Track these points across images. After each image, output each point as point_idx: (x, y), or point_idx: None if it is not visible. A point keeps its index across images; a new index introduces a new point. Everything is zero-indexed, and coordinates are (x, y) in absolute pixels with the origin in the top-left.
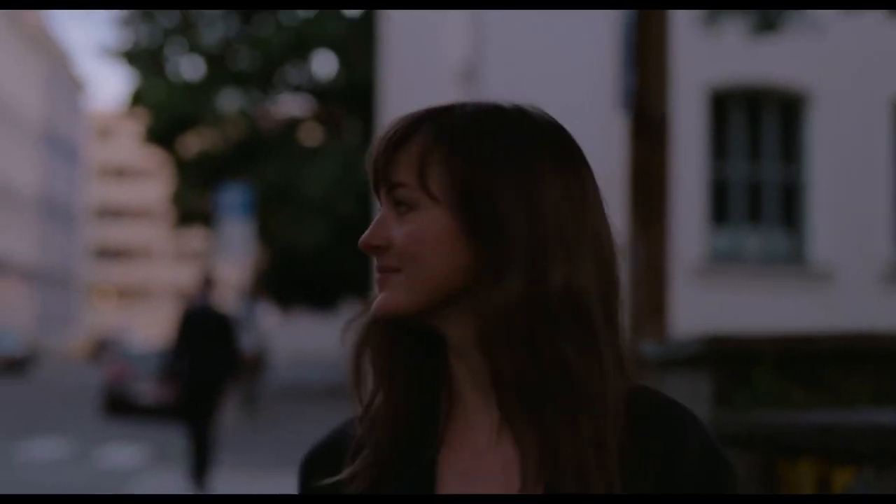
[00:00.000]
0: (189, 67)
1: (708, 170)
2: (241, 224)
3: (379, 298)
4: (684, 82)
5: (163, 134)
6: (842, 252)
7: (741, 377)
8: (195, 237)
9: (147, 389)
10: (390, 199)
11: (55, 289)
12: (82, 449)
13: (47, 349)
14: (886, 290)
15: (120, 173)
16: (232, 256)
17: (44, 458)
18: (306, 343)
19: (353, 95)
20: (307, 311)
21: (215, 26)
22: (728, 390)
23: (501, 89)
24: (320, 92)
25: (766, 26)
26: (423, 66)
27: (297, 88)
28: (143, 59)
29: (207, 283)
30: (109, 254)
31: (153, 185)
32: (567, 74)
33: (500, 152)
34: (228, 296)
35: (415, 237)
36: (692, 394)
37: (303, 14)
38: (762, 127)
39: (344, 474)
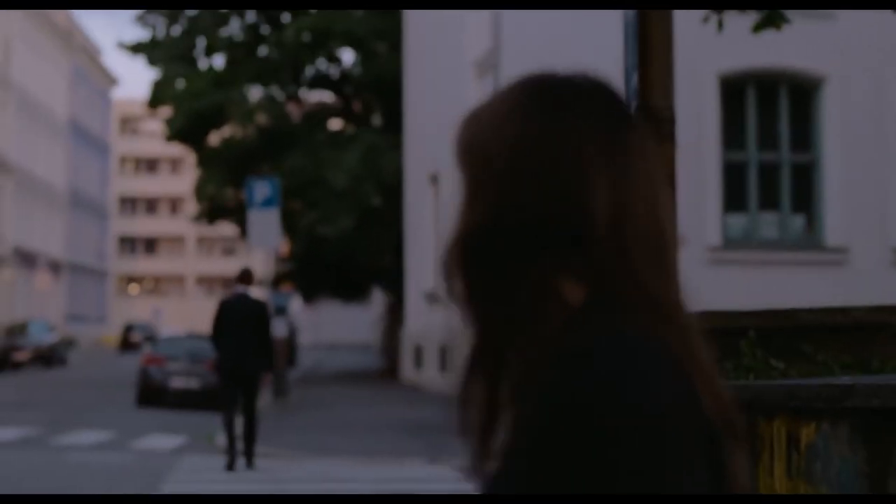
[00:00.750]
0: (213, 62)
1: (723, 156)
2: (269, 216)
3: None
4: (698, 71)
5: (188, 129)
6: (855, 234)
7: (729, 349)
8: (223, 229)
9: (179, 376)
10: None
11: (85, 281)
12: (121, 434)
13: (77, 340)
14: None
15: (149, 165)
16: (260, 248)
17: (87, 442)
18: (332, 331)
19: (377, 87)
20: (332, 300)
21: (238, 21)
22: (718, 362)
23: None
24: (345, 84)
25: (769, 24)
26: (444, 58)
27: (321, 81)
28: (166, 54)
29: (244, 275)
30: (138, 245)
31: (182, 177)
32: (584, 67)
33: (488, 111)
34: (260, 286)
35: (454, 210)
36: None
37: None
38: (776, 113)
39: None
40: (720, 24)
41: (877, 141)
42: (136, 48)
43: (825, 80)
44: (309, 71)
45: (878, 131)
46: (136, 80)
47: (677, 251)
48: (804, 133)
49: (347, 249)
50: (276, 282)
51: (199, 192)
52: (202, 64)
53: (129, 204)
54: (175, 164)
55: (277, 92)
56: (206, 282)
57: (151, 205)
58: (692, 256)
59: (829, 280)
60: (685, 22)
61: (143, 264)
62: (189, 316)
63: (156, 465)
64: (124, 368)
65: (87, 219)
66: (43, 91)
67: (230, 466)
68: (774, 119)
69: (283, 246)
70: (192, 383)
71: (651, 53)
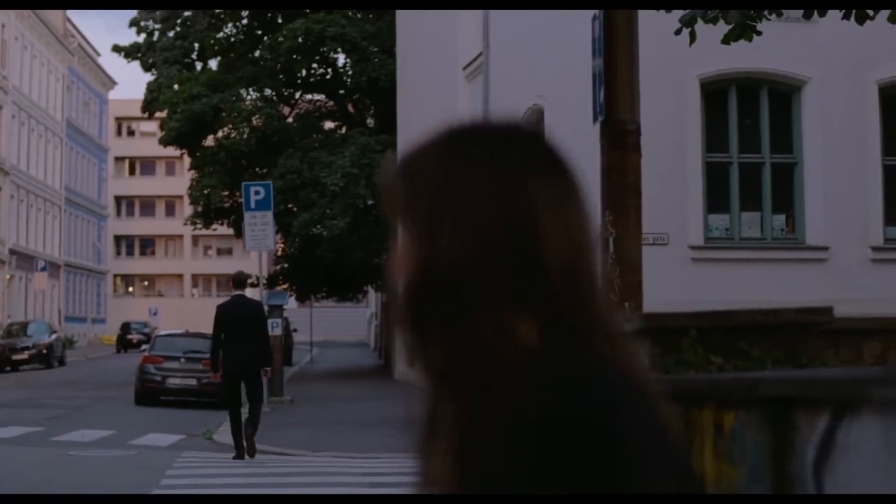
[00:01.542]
0: (207, 65)
1: (705, 157)
2: (263, 219)
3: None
4: (680, 75)
5: (183, 132)
6: (834, 233)
7: (672, 346)
8: (218, 230)
9: (177, 374)
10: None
11: (82, 281)
12: (120, 431)
13: (76, 340)
14: (876, 267)
15: (145, 166)
16: (255, 249)
17: (87, 439)
18: (326, 330)
19: (370, 90)
20: (327, 299)
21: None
22: (661, 357)
23: (507, 86)
24: (338, 86)
25: (739, 36)
26: (435, 62)
27: (315, 84)
28: (161, 58)
29: (239, 279)
30: (135, 246)
31: (178, 178)
32: (570, 73)
33: (426, 159)
34: (255, 287)
35: (394, 258)
36: None
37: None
38: (757, 115)
39: None
40: (693, 35)
41: (856, 143)
42: (131, 52)
43: (805, 84)
44: (303, 74)
45: (858, 134)
46: (132, 81)
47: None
48: (785, 135)
49: (341, 249)
50: (272, 281)
51: (194, 194)
52: (197, 67)
53: (126, 204)
54: (171, 164)
55: (274, 93)
56: (203, 281)
57: (148, 205)
58: (675, 255)
59: (810, 277)
60: (669, 28)
61: (140, 264)
62: (186, 315)
63: (155, 461)
64: (122, 367)
65: (84, 219)
66: (39, 93)
67: (239, 456)
68: (756, 122)
69: (278, 246)
70: (190, 381)
71: (616, 71)
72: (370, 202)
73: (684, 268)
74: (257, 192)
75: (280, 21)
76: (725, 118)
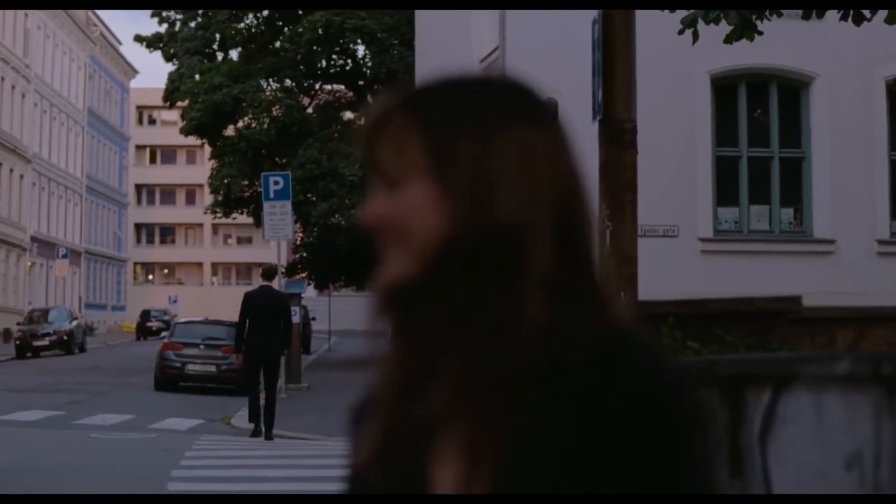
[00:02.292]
0: (228, 56)
1: (715, 151)
2: (282, 209)
3: (383, 271)
4: (691, 71)
5: (204, 122)
6: (841, 226)
7: (651, 332)
8: (238, 218)
9: (196, 361)
10: (377, 176)
11: (103, 268)
12: (140, 416)
13: (95, 327)
14: (882, 260)
15: (166, 154)
16: (274, 238)
17: (108, 423)
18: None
19: (389, 81)
20: (346, 287)
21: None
22: None
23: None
24: (358, 77)
25: (741, 35)
26: (453, 56)
27: (335, 74)
28: (183, 48)
29: (268, 271)
30: (155, 234)
31: (199, 166)
32: (585, 69)
33: (462, 117)
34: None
35: (402, 210)
36: None
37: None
38: (766, 110)
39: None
40: (695, 35)
41: (863, 138)
42: (153, 42)
43: (814, 80)
44: (322, 64)
45: (865, 129)
46: (154, 70)
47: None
48: (793, 130)
49: (359, 238)
50: (290, 270)
51: (214, 183)
52: (218, 58)
53: (147, 192)
54: (192, 153)
55: (291, 85)
56: (222, 269)
57: (168, 193)
58: (685, 247)
59: (817, 270)
60: (678, 26)
61: (160, 252)
62: (206, 303)
63: (174, 444)
64: (142, 354)
65: (105, 207)
66: (62, 82)
67: (256, 434)
68: (765, 117)
69: (297, 235)
70: (209, 368)
71: (614, 72)
72: None
73: (694, 260)
74: (276, 183)
75: (300, 12)
76: (735, 113)
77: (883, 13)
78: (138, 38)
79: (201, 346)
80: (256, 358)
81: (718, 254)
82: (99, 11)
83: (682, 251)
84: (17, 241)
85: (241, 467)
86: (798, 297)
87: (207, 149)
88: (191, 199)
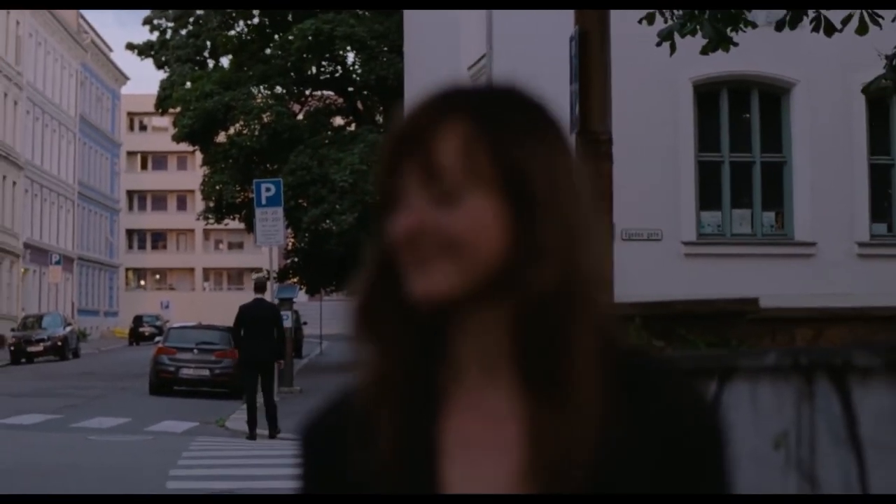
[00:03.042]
0: (219, 63)
1: (698, 156)
2: (274, 215)
3: (423, 283)
4: (674, 78)
5: (196, 129)
6: (821, 229)
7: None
8: (230, 224)
9: (190, 365)
10: (427, 183)
11: (95, 274)
12: (136, 419)
13: (88, 333)
14: (861, 262)
15: (157, 160)
16: (266, 244)
17: (105, 426)
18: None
19: (379, 87)
20: (337, 292)
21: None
22: None
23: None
24: (348, 84)
25: (717, 46)
26: (441, 62)
27: (325, 81)
28: (174, 56)
29: (259, 285)
30: (147, 240)
31: (190, 172)
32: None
33: (533, 134)
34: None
35: (462, 225)
36: None
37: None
38: (747, 116)
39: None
40: (673, 47)
41: (842, 142)
42: (145, 50)
43: (794, 86)
44: (313, 71)
45: (844, 133)
46: (144, 76)
47: None
48: (774, 135)
49: (350, 244)
50: (282, 275)
51: (206, 189)
52: (209, 65)
53: (138, 198)
54: (183, 159)
55: (282, 92)
56: (214, 274)
57: (160, 199)
58: (669, 251)
59: (798, 272)
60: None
61: (152, 258)
62: (197, 308)
63: (171, 445)
64: (135, 359)
65: (97, 213)
66: (53, 89)
67: (252, 438)
68: (746, 122)
69: (288, 241)
70: (202, 372)
71: (590, 85)
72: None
73: (678, 263)
74: (268, 189)
75: (291, 19)
76: (717, 119)
77: (854, 24)
78: (130, 46)
79: (195, 351)
80: (253, 365)
81: (702, 257)
82: (90, 18)
83: (665, 254)
84: (10, 248)
85: (237, 466)
86: (755, 299)
87: (199, 155)
88: (182, 204)
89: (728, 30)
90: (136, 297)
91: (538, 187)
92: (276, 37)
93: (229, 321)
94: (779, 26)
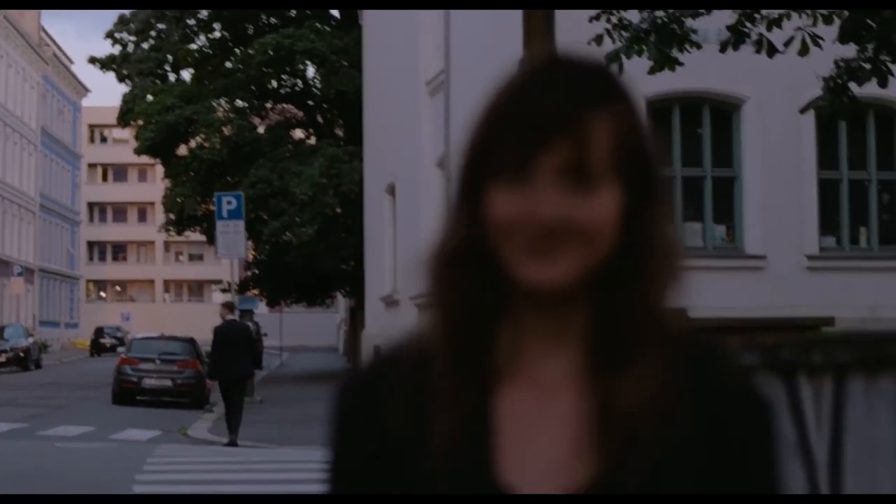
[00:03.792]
0: (181, 77)
1: None
2: (235, 228)
3: (544, 271)
4: None
5: (157, 142)
6: (772, 242)
7: None
8: (191, 236)
9: (152, 375)
10: (570, 170)
11: (56, 286)
12: (100, 427)
13: (49, 344)
14: (811, 275)
15: (118, 172)
16: (227, 257)
17: (70, 434)
18: (296, 335)
19: (339, 102)
20: (297, 304)
21: (204, 37)
22: None
23: (469, 102)
24: (308, 98)
25: (663, 66)
26: (400, 77)
27: (286, 95)
28: (136, 70)
29: (228, 306)
30: (107, 252)
31: (150, 184)
32: None
33: (644, 123)
34: (227, 292)
35: (600, 215)
36: None
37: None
38: (699, 132)
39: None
40: (621, 67)
41: (792, 158)
42: (107, 63)
43: (744, 103)
44: (273, 85)
45: (794, 149)
46: (105, 88)
47: None
48: (725, 150)
49: (310, 256)
50: (243, 287)
51: (168, 202)
52: (170, 79)
53: (99, 210)
54: (143, 171)
55: (243, 105)
56: (174, 286)
57: (120, 211)
58: None
59: (749, 285)
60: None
61: (113, 269)
62: (158, 319)
63: (136, 452)
64: (97, 370)
65: (58, 225)
66: (15, 101)
67: (232, 443)
68: (698, 138)
69: (249, 253)
70: (165, 382)
71: None
72: (338, 210)
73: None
74: (229, 203)
75: (251, 33)
76: (669, 135)
77: (796, 46)
78: (92, 60)
79: (157, 361)
80: (229, 379)
81: None
82: (52, 30)
83: None
84: None
85: (201, 472)
86: (684, 308)
87: (159, 167)
88: (142, 216)
89: (674, 50)
90: (97, 308)
91: (656, 178)
92: (237, 51)
93: (190, 332)
94: (723, 48)
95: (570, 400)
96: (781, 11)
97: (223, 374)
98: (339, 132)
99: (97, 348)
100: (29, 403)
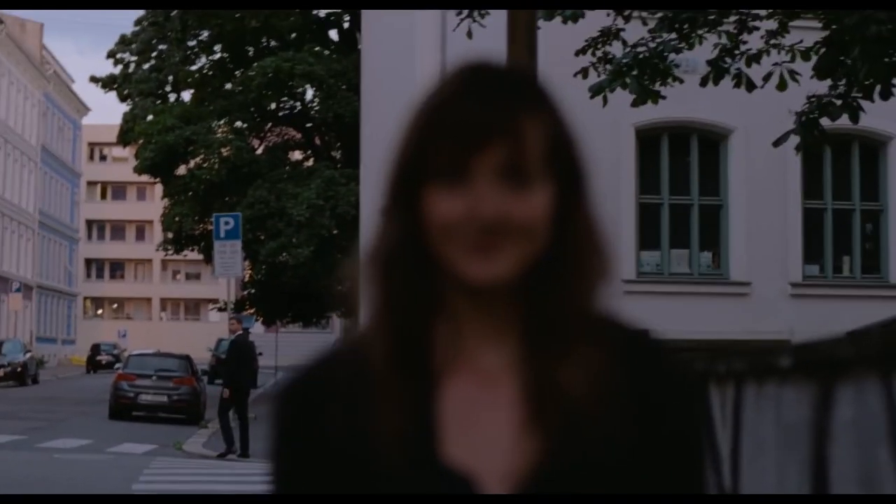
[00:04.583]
0: (181, 97)
1: (638, 199)
2: (232, 248)
3: (486, 267)
4: (617, 123)
5: (157, 162)
6: (756, 269)
7: None
8: (188, 255)
9: (148, 391)
10: (507, 170)
11: (54, 303)
12: (98, 441)
13: (46, 360)
14: (795, 301)
15: (116, 190)
16: (224, 276)
17: (68, 447)
18: (292, 355)
19: (336, 124)
20: (293, 324)
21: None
22: None
23: None
24: (306, 120)
25: (645, 99)
26: (397, 100)
27: (284, 117)
28: (136, 89)
29: (241, 320)
30: (105, 269)
31: (148, 203)
32: None
33: (571, 122)
34: (223, 311)
35: (538, 212)
36: None
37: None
38: (687, 161)
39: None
40: (605, 100)
41: (777, 187)
42: (108, 83)
43: (732, 133)
44: (272, 107)
45: (779, 178)
46: (105, 106)
47: None
48: (712, 179)
49: (306, 276)
50: (239, 306)
51: (166, 221)
52: (171, 99)
53: (97, 228)
54: (142, 190)
55: (242, 126)
56: (171, 304)
57: (119, 229)
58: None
59: (733, 310)
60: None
61: (110, 287)
62: (154, 337)
63: (133, 463)
64: (94, 386)
65: (57, 242)
66: (16, 119)
67: (231, 453)
68: (686, 166)
69: (246, 272)
70: (161, 398)
71: None
72: (334, 232)
73: (617, 301)
74: (227, 223)
75: (251, 55)
76: (657, 163)
77: (775, 80)
78: (94, 79)
79: (154, 378)
80: (240, 392)
81: (641, 294)
82: (53, 49)
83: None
84: None
85: (196, 483)
86: (647, 330)
87: (158, 186)
88: (140, 235)
89: (657, 84)
90: (94, 325)
91: (586, 178)
92: (237, 73)
93: (186, 350)
94: (703, 82)
95: (511, 387)
96: (761, 47)
97: (243, 384)
98: (337, 154)
99: (93, 365)
100: (27, 417)
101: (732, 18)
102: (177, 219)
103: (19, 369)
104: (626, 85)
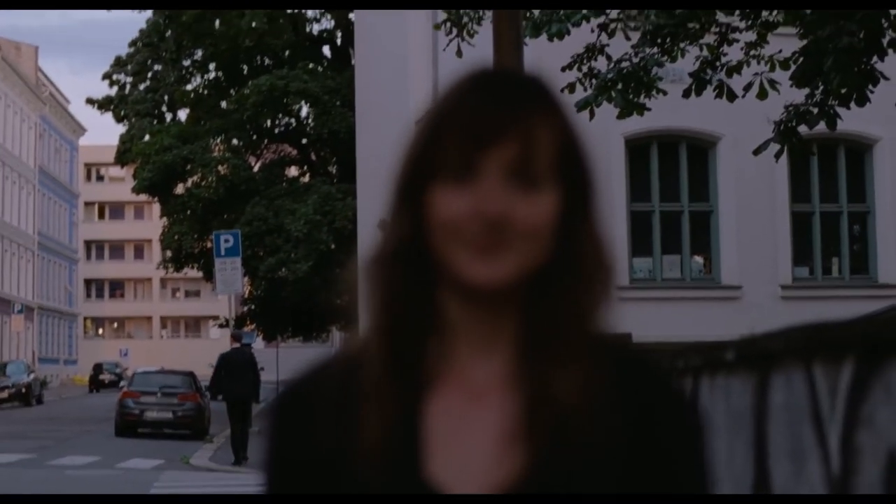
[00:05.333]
0: (177, 117)
1: (630, 206)
2: (232, 265)
3: (489, 269)
4: (607, 132)
5: (155, 182)
6: (746, 273)
7: None
8: (188, 273)
9: (153, 408)
10: (516, 171)
11: (55, 323)
12: (106, 457)
13: (48, 381)
14: (785, 304)
15: (114, 210)
16: (225, 293)
17: (77, 463)
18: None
19: (332, 140)
20: (293, 339)
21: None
22: None
23: None
24: (302, 136)
25: (631, 112)
26: (391, 116)
27: (280, 134)
28: (133, 110)
29: (238, 336)
30: (105, 289)
31: (147, 222)
32: None
33: (579, 128)
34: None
35: (543, 217)
36: None
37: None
38: (676, 168)
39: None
40: (592, 113)
41: (766, 192)
42: (105, 104)
43: (720, 139)
44: (268, 124)
45: (767, 184)
46: (101, 127)
47: None
48: (702, 186)
49: (305, 291)
50: (240, 322)
51: (166, 240)
52: (167, 119)
53: (96, 248)
54: (140, 209)
55: (238, 144)
56: (171, 322)
57: (117, 249)
58: None
59: (725, 314)
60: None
61: (110, 306)
62: (155, 355)
63: (142, 478)
64: (97, 405)
65: (56, 263)
66: (13, 141)
67: (237, 463)
68: (675, 173)
69: (246, 289)
70: (166, 414)
71: None
72: (332, 246)
73: (616, 313)
74: (227, 241)
75: (246, 73)
76: (647, 171)
77: (756, 89)
78: (90, 101)
79: (158, 394)
80: (234, 401)
81: (634, 300)
82: (48, 71)
83: None
84: None
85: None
86: (628, 333)
87: (156, 205)
88: (139, 254)
89: (640, 96)
90: (95, 345)
91: (593, 186)
92: (232, 91)
93: (188, 367)
94: (685, 93)
95: (499, 401)
96: (741, 58)
97: (228, 394)
98: (333, 170)
99: (96, 384)
100: (34, 436)
101: (714, 30)
102: (176, 237)
103: (24, 390)
104: (611, 99)
